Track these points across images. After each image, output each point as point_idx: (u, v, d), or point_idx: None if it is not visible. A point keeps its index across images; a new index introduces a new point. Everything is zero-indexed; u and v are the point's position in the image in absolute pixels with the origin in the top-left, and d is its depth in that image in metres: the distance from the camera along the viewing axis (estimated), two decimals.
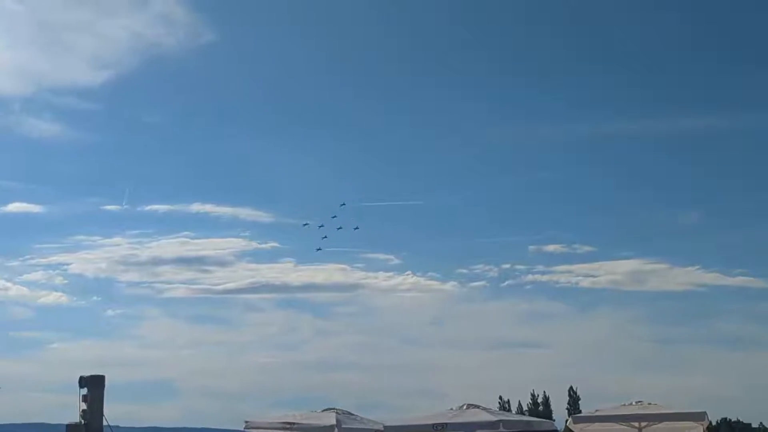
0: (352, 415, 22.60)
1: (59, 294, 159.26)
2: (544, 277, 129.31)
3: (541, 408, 63.24)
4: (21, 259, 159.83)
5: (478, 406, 22.20)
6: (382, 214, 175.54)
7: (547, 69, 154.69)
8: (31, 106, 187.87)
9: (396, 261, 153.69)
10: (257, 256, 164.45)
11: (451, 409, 22.17)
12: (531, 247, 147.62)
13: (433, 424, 21.39)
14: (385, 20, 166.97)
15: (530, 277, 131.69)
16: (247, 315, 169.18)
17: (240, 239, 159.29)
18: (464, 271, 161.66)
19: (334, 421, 21.40)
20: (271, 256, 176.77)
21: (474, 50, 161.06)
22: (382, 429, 21.83)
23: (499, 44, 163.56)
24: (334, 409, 22.47)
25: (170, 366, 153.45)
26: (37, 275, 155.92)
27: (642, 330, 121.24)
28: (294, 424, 22.09)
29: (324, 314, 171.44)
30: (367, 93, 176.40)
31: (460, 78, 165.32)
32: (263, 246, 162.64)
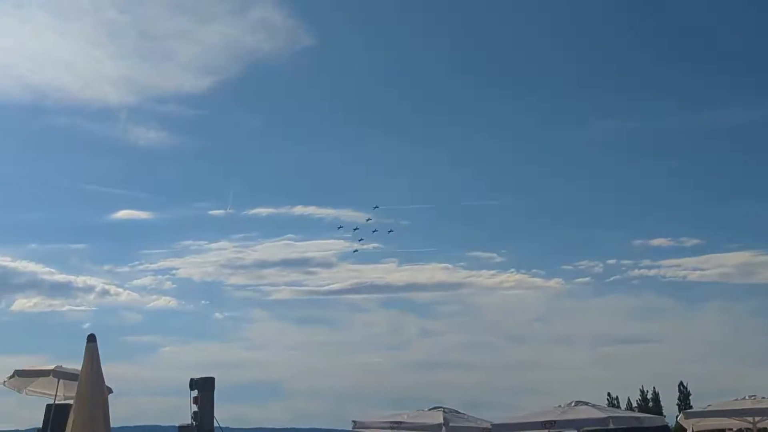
0: (459, 413, 22.53)
1: (168, 298, 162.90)
2: (651, 272, 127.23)
3: (650, 404, 61.94)
4: (130, 265, 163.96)
5: (586, 403, 21.92)
6: (484, 212, 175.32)
7: (646, 65, 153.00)
8: (136, 115, 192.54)
9: (499, 259, 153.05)
10: (360, 257, 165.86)
11: (560, 406, 21.92)
12: (636, 242, 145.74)
13: (542, 422, 21.20)
14: (477, 26, 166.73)
15: (636, 272, 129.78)
16: (352, 315, 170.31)
17: (343, 240, 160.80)
18: (569, 267, 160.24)
19: (441, 420, 21.36)
20: (374, 257, 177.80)
21: (569, 45, 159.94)
22: (490, 427, 21.69)
23: (596, 40, 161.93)
24: (441, 407, 22.43)
25: (277, 367, 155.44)
26: (146, 280, 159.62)
27: (753, 323, 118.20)
28: (402, 423, 22.11)
29: (428, 313, 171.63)
30: (465, 94, 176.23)
31: (559, 74, 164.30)
32: (366, 247, 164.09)
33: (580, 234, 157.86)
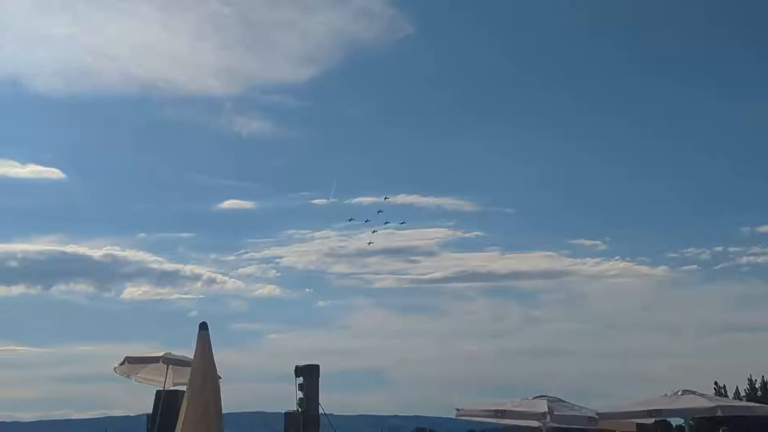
0: (564, 402, 22.32)
1: (273, 287, 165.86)
2: (760, 259, 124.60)
3: (759, 393, 60.43)
4: (236, 254, 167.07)
5: (693, 392, 21.51)
6: (587, 200, 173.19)
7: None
8: (241, 106, 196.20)
9: (603, 247, 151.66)
10: (462, 245, 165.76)
11: (666, 395, 21.57)
12: (744, 228, 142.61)
13: (648, 411, 20.92)
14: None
15: (745, 259, 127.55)
16: (454, 304, 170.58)
17: (445, 229, 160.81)
18: (675, 255, 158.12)
19: (545, 409, 21.20)
20: (477, 245, 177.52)
21: (692, 29, 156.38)
22: (595, 416, 21.47)
23: (710, 32, 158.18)
24: (545, 396, 22.26)
25: (380, 355, 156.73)
26: (251, 269, 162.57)
27: None
28: (505, 411, 22.00)
29: (531, 302, 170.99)
30: (570, 81, 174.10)
31: (668, 62, 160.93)
32: (468, 235, 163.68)
33: (686, 221, 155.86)
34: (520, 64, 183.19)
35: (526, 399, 22.52)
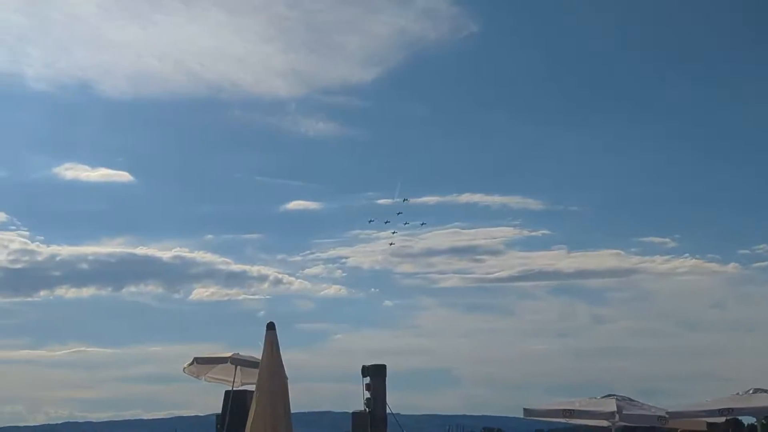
0: (633, 401, 22.10)
1: (339, 287, 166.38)
2: None
3: None
4: (302, 254, 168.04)
5: (766, 391, 21.18)
6: (656, 197, 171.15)
7: None
8: (305, 107, 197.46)
9: (672, 244, 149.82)
10: (528, 244, 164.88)
11: (737, 393, 21.26)
12: None
13: (719, 410, 20.64)
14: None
15: None
16: (520, 303, 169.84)
17: (510, 228, 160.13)
18: (746, 251, 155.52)
19: (614, 408, 21.01)
20: (543, 244, 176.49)
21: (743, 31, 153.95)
22: (665, 415, 21.23)
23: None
24: (613, 395, 22.07)
25: (447, 354, 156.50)
26: (317, 269, 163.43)
27: None
28: (573, 411, 21.85)
29: (598, 300, 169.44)
30: (632, 80, 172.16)
31: (727, 59, 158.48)
32: (534, 234, 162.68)
33: (756, 217, 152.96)
34: (587, 60, 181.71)
35: (595, 398, 22.35)
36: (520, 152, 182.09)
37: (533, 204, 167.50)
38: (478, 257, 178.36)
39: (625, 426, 22.41)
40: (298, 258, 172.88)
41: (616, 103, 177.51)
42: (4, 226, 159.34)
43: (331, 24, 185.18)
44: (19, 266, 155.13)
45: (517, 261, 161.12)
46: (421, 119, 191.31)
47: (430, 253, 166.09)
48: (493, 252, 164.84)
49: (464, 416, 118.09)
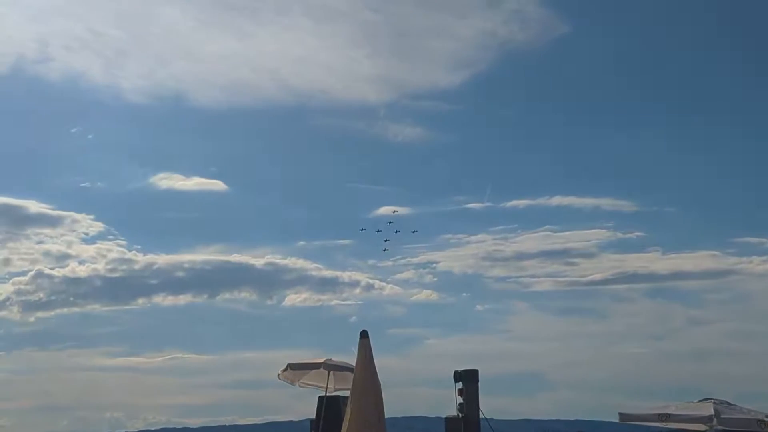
0: (731, 405, 21.71)
1: (430, 291, 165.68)
2: None
3: None
4: (393, 259, 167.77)
5: None
6: (751, 196, 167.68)
7: None
8: (393, 112, 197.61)
9: None
10: (622, 246, 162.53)
11: None
12: None
13: None
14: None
15: None
16: (614, 306, 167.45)
17: (603, 230, 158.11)
18: None
19: (712, 412, 20.68)
20: (637, 246, 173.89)
21: None
22: (765, 419, 20.81)
23: None
24: (711, 399, 21.72)
25: (540, 358, 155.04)
26: (408, 274, 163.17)
27: None
28: (669, 415, 21.56)
29: (695, 302, 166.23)
30: (727, 75, 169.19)
31: None
32: (628, 236, 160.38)
33: None
34: (679, 60, 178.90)
35: (691, 402, 22.02)
36: (612, 154, 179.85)
37: (626, 205, 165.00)
38: (571, 260, 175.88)
39: (723, 430, 22.01)
40: (388, 263, 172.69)
41: (711, 102, 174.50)
42: (102, 236, 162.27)
43: (418, 28, 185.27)
44: (116, 275, 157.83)
45: (610, 263, 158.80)
46: (510, 122, 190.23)
47: (522, 256, 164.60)
48: (586, 255, 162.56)
49: (558, 421, 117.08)
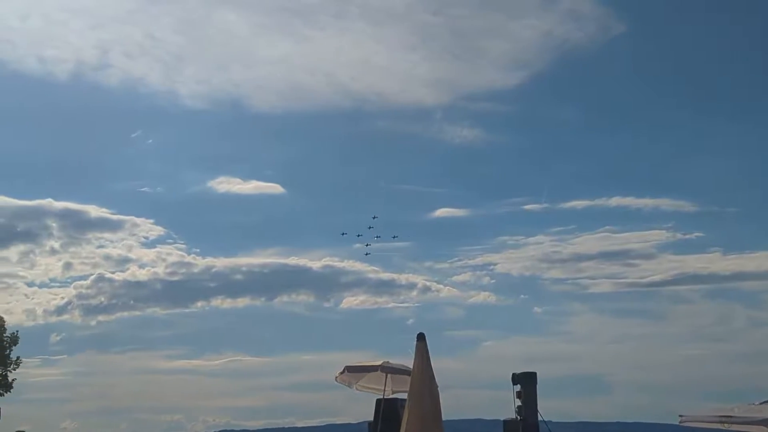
0: None
1: (487, 293, 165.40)
2: None
3: None
4: (450, 261, 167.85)
5: None
6: None
7: None
8: (450, 114, 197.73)
9: None
10: (682, 247, 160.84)
11: None
12: None
13: None
14: None
15: None
16: (674, 307, 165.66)
17: (663, 231, 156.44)
18: None
19: None
20: (697, 246, 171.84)
21: None
22: None
23: None
24: None
25: (599, 360, 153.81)
26: (465, 276, 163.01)
27: None
28: (731, 417, 21.30)
29: (757, 303, 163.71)
30: None
31: None
32: (688, 236, 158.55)
33: None
34: (738, 59, 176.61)
35: (753, 404, 21.74)
36: (672, 154, 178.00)
37: (686, 206, 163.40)
38: (630, 261, 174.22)
39: None
40: (446, 265, 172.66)
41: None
42: (162, 240, 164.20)
43: (474, 29, 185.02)
44: (176, 278, 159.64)
45: (670, 264, 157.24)
46: (567, 123, 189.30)
47: (580, 258, 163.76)
48: (646, 256, 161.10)
49: (617, 423, 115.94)
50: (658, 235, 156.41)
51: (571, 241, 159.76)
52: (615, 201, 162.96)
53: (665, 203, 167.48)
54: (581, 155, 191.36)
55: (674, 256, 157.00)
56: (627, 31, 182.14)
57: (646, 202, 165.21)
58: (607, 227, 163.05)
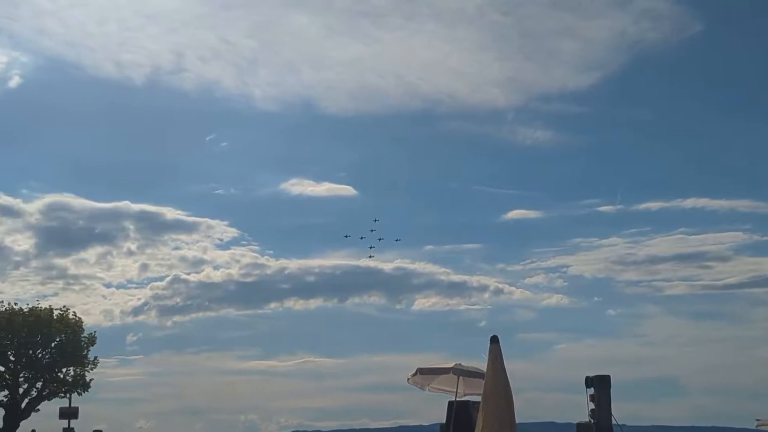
0: None
1: (560, 296, 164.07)
2: None
3: None
4: (522, 263, 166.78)
5: None
6: None
7: None
8: (522, 115, 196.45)
9: None
10: (759, 249, 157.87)
11: None
12: None
13: None
14: None
15: None
16: (751, 310, 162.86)
17: (739, 232, 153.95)
18: None
19: None
20: None
21: None
22: None
23: None
24: None
25: (674, 363, 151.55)
26: (538, 278, 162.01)
27: None
28: None
29: None
30: None
31: None
32: (765, 238, 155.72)
33: None
34: None
35: None
36: (748, 155, 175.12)
37: (764, 207, 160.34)
38: (706, 263, 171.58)
39: None
40: (518, 267, 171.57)
41: None
42: (236, 242, 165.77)
43: (546, 30, 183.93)
44: (250, 280, 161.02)
45: (747, 267, 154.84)
46: (641, 123, 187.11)
47: (655, 260, 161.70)
48: (722, 258, 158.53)
49: (692, 427, 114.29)
50: (735, 237, 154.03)
51: (646, 243, 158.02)
52: (690, 202, 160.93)
53: (742, 204, 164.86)
54: (656, 156, 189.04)
55: (751, 258, 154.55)
56: (704, 30, 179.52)
57: (722, 204, 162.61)
58: (682, 229, 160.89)
